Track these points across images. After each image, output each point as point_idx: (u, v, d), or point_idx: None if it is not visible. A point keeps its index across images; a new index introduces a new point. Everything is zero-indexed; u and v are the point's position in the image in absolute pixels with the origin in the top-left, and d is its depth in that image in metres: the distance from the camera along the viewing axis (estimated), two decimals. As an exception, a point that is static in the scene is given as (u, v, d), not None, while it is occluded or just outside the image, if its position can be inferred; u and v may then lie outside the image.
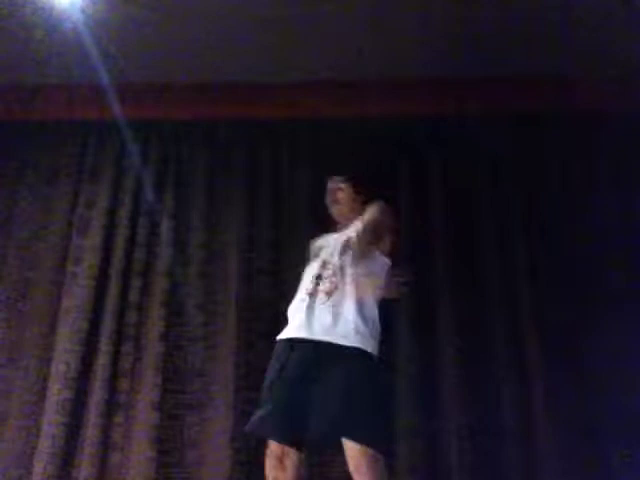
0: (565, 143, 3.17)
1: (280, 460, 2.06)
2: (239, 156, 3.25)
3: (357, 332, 2.14)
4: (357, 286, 2.23)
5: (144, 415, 2.78)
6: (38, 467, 2.67)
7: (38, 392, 2.84)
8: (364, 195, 2.49)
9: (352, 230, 2.37)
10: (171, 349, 2.89)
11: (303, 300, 2.25)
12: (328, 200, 2.55)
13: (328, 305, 2.19)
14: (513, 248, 2.99)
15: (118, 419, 2.79)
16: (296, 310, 2.26)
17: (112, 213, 3.13)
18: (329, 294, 2.22)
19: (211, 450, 2.73)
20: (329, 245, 2.40)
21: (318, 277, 2.28)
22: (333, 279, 2.25)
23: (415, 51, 3.07)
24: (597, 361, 2.77)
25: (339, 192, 2.53)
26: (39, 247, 3.12)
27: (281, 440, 2.08)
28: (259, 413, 2.13)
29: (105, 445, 2.74)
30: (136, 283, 3.00)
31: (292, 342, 2.19)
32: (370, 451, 1.95)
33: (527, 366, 2.78)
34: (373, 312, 2.22)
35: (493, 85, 3.25)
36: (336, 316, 2.16)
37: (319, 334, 2.14)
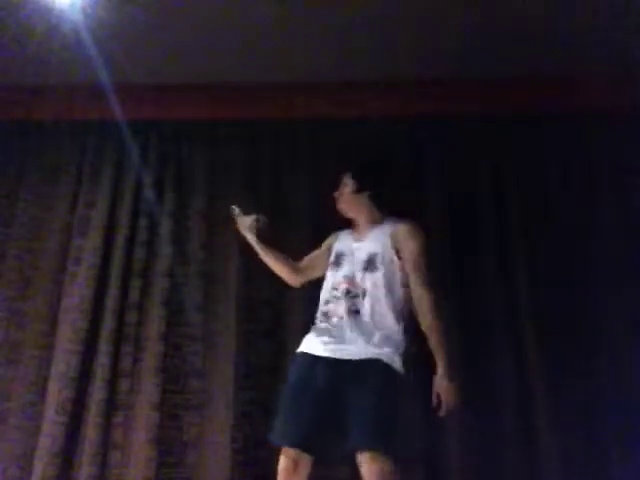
0: (565, 143, 3.17)
1: (296, 465, 2.08)
2: (239, 156, 3.25)
3: (386, 349, 2.16)
4: (385, 303, 2.25)
5: (144, 415, 2.78)
6: (38, 467, 2.67)
7: (38, 392, 2.84)
8: (369, 190, 2.49)
9: (374, 242, 2.36)
10: (171, 349, 2.89)
11: (329, 316, 2.28)
12: (339, 202, 2.55)
13: (357, 324, 2.21)
14: (513, 248, 2.99)
15: (118, 419, 2.80)
16: (323, 327, 2.28)
17: (112, 213, 3.14)
18: (355, 313, 2.24)
19: (211, 450, 2.73)
20: (351, 254, 2.39)
21: (346, 293, 2.28)
22: (358, 299, 2.26)
23: (415, 51, 3.07)
24: (597, 361, 2.77)
25: (344, 188, 2.53)
26: (39, 247, 3.12)
27: (301, 446, 2.09)
28: (281, 422, 2.16)
29: (105, 445, 2.74)
30: (136, 283, 3.00)
31: (318, 358, 2.20)
32: (390, 462, 1.98)
33: (527, 366, 2.79)
34: (399, 327, 2.23)
35: (493, 85, 3.25)
36: (365, 335, 2.19)
37: (347, 354, 2.16)
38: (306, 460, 2.10)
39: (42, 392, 2.83)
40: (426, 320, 2.21)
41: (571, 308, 2.85)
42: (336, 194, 2.56)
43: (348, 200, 2.52)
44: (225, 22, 2.90)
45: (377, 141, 3.19)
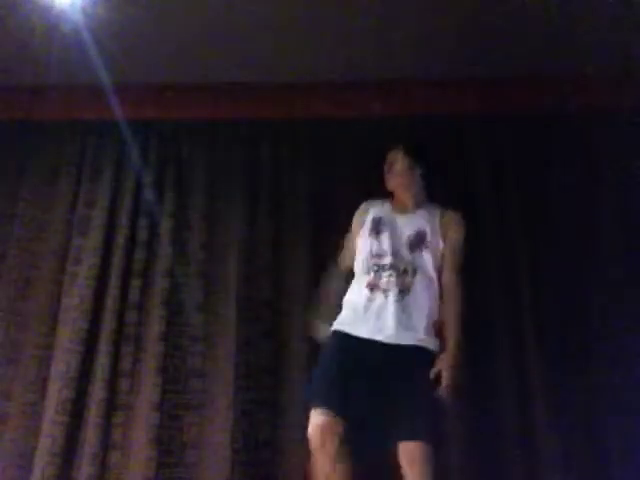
0: (566, 143, 3.17)
1: (331, 431, 2.03)
2: (239, 156, 3.25)
3: (428, 334, 2.17)
4: (430, 284, 2.24)
5: (144, 415, 2.78)
6: (38, 467, 2.67)
7: (38, 392, 2.84)
8: (420, 168, 2.47)
9: (423, 220, 2.33)
10: (171, 349, 2.89)
11: (372, 288, 2.21)
12: (385, 171, 2.50)
13: (406, 306, 2.18)
14: (513, 248, 2.99)
15: (118, 419, 2.79)
16: (365, 303, 2.21)
17: (112, 213, 3.13)
18: (403, 292, 2.20)
19: (211, 450, 2.73)
20: (393, 225, 2.34)
21: (391, 268, 2.23)
22: (407, 277, 2.22)
23: (415, 51, 3.07)
24: (598, 360, 2.77)
25: (398, 164, 2.48)
26: (39, 247, 3.12)
27: (340, 412, 2.04)
28: (324, 387, 2.11)
29: (105, 445, 2.74)
30: (136, 283, 3.00)
31: (359, 340, 2.16)
32: (431, 451, 2.01)
33: (527, 366, 2.78)
34: (437, 312, 2.24)
35: (493, 85, 3.25)
36: (410, 317, 2.16)
37: (391, 337, 2.14)
38: (340, 426, 2.04)
39: (42, 392, 2.83)
40: (452, 305, 2.22)
41: (571, 308, 2.85)
42: (387, 169, 2.49)
43: (403, 175, 2.46)
44: (225, 22, 2.91)
45: (377, 141, 3.19)
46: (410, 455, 2.00)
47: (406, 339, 2.14)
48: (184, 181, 3.22)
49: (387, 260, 2.25)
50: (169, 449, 2.74)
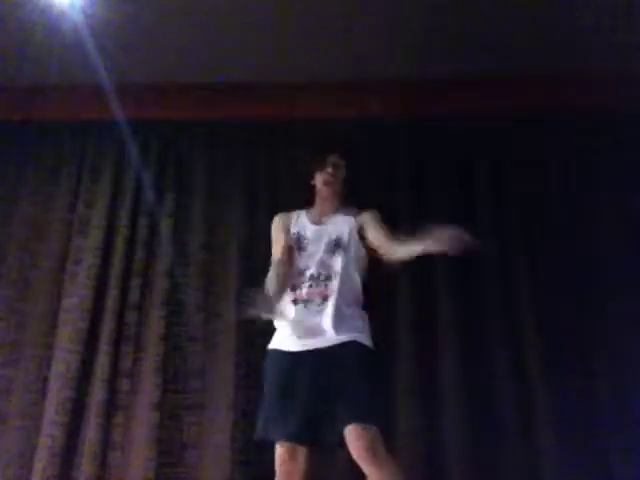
0: (565, 143, 3.17)
1: (292, 455, 2.11)
2: (239, 156, 3.25)
3: (357, 331, 2.23)
4: (352, 286, 2.32)
5: (144, 415, 2.77)
6: (38, 467, 2.67)
7: (38, 392, 2.84)
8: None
9: (339, 225, 2.40)
10: (171, 349, 2.89)
11: (298, 304, 2.28)
12: (326, 175, 2.53)
13: (328, 309, 2.23)
14: (513, 248, 2.99)
15: (118, 419, 2.79)
16: (294, 318, 2.27)
17: (112, 213, 3.14)
18: (326, 298, 2.26)
19: (211, 450, 2.73)
20: (314, 237, 2.40)
21: (316, 277, 2.30)
22: (329, 283, 2.29)
23: (414, 51, 3.07)
24: (598, 360, 2.77)
25: (340, 170, 2.56)
26: (39, 247, 3.12)
27: (293, 440, 2.11)
28: (264, 419, 2.17)
29: (105, 445, 2.74)
30: (136, 283, 3.00)
31: (296, 354, 2.21)
32: (378, 433, 2.02)
33: (527, 366, 2.78)
34: (361, 308, 2.33)
35: (493, 85, 3.25)
36: (337, 319, 2.22)
37: (322, 342, 2.19)
38: (302, 451, 2.12)
39: (42, 392, 2.83)
40: (396, 245, 2.25)
41: (571, 307, 2.85)
42: (331, 172, 2.53)
43: (338, 183, 2.55)
44: (225, 22, 2.91)
45: (377, 141, 3.19)
46: (355, 440, 2.01)
47: (334, 340, 2.19)
48: (184, 181, 3.22)
49: (310, 271, 2.33)
50: (169, 449, 2.74)
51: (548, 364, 2.75)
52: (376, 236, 2.35)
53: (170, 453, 2.73)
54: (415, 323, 2.86)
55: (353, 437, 2.01)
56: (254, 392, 2.78)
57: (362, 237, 2.41)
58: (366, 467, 1.99)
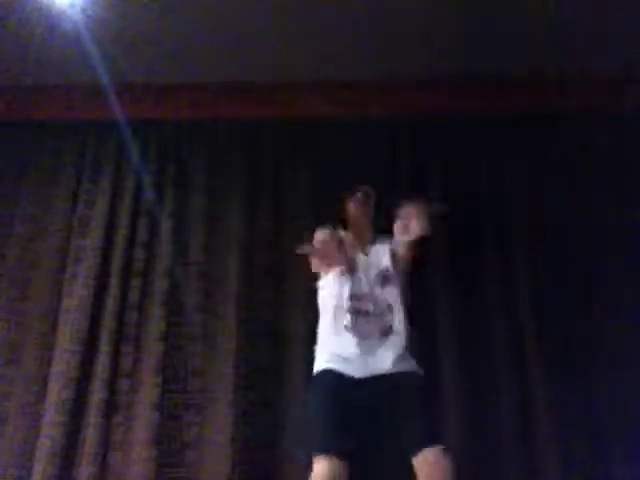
0: (565, 143, 3.17)
1: (335, 473, 2.06)
2: (239, 156, 3.25)
3: (411, 360, 2.28)
4: (403, 318, 2.34)
5: (144, 415, 2.77)
6: (38, 467, 2.66)
7: (38, 392, 2.83)
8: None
9: (382, 257, 2.43)
10: (171, 349, 2.88)
11: (352, 336, 2.26)
12: (361, 207, 2.56)
13: (386, 344, 2.26)
14: (513, 249, 3.00)
15: (118, 419, 2.79)
16: (345, 346, 2.26)
17: (112, 213, 3.13)
18: (384, 334, 2.28)
19: (211, 450, 2.73)
20: (362, 266, 2.41)
21: (367, 312, 2.31)
22: (385, 318, 2.31)
23: (415, 51, 3.07)
24: (597, 361, 2.77)
25: (371, 200, 2.59)
26: (39, 247, 3.11)
27: (343, 455, 2.08)
28: (323, 432, 2.14)
29: (105, 445, 2.73)
30: (136, 283, 3.00)
31: (349, 379, 2.21)
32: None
33: (527, 366, 2.78)
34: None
35: (493, 85, 3.25)
36: (395, 353, 2.25)
37: (380, 371, 2.21)
38: (344, 467, 2.08)
39: (42, 392, 2.83)
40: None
41: (571, 307, 2.85)
42: (361, 197, 2.56)
43: (368, 212, 2.58)
44: (225, 22, 2.91)
45: (377, 141, 3.19)
46: (434, 465, 2.04)
47: (392, 369, 2.22)
48: (184, 181, 3.22)
49: (365, 304, 2.33)
50: (169, 449, 2.74)
51: (548, 364, 2.75)
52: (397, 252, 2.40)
53: (170, 453, 2.73)
54: (415, 323, 2.85)
55: (431, 459, 2.04)
56: (254, 392, 2.79)
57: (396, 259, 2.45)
58: None
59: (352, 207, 2.57)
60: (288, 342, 2.85)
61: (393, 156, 3.19)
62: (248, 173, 3.21)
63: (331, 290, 2.41)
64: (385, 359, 2.23)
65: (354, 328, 2.28)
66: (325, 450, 2.08)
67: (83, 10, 2.77)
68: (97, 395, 2.78)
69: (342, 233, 2.55)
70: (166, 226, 3.10)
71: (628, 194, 3.06)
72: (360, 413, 2.14)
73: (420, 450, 2.05)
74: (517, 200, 3.08)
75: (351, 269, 2.37)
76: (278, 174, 3.21)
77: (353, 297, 2.34)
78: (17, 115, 3.36)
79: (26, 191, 3.23)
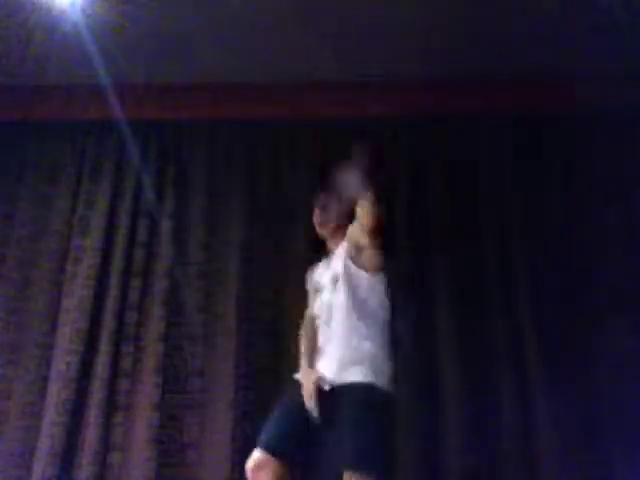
0: (565, 143, 3.17)
1: (259, 467, 2.06)
2: (239, 156, 3.25)
3: (368, 369, 2.09)
4: (347, 322, 2.18)
5: (144, 415, 2.78)
6: (38, 467, 2.67)
7: (38, 392, 2.84)
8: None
9: (338, 259, 2.30)
10: (171, 349, 2.89)
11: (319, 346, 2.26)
12: (317, 221, 2.46)
13: (329, 353, 2.19)
14: (513, 248, 3.00)
15: (118, 419, 2.79)
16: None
17: (112, 213, 3.13)
18: (327, 341, 2.22)
19: (211, 450, 2.73)
20: (325, 282, 2.35)
21: (326, 323, 2.26)
22: (333, 323, 2.21)
23: (415, 51, 3.07)
24: (597, 361, 2.77)
25: (330, 208, 2.45)
26: (39, 247, 3.12)
27: (268, 449, 2.07)
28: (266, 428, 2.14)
29: (105, 445, 2.74)
30: (136, 283, 3.00)
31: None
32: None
33: (527, 367, 2.78)
34: (382, 341, 2.16)
35: (493, 85, 3.25)
36: (336, 361, 2.14)
37: (332, 379, 2.12)
38: (274, 464, 2.05)
39: (42, 392, 2.83)
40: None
41: (571, 307, 2.85)
42: (317, 211, 2.46)
43: (327, 219, 2.44)
44: (225, 22, 2.91)
45: (377, 141, 3.18)
46: None
47: (335, 380, 2.10)
48: (184, 181, 3.22)
49: (322, 316, 2.29)
50: (169, 449, 2.74)
51: (548, 364, 2.75)
52: (350, 235, 2.26)
53: (170, 453, 2.73)
54: (415, 323, 2.85)
55: None
56: (254, 392, 2.79)
57: (358, 249, 2.26)
58: None
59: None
60: (288, 342, 2.85)
61: (393, 156, 3.18)
62: (248, 173, 3.21)
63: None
64: (327, 370, 2.14)
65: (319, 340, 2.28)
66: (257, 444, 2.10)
67: (83, 10, 2.77)
68: (97, 395, 2.79)
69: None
70: (166, 226, 3.10)
71: (628, 194, 3.05)
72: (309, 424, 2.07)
73: (343, 470, 1.93)
74: (517, 200, 3.08)
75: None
76: (278, 174, 3.21)
77: (317, 317, 2.34)
78: (17, 115, 3.36)
79: (26, 191, 3.23)
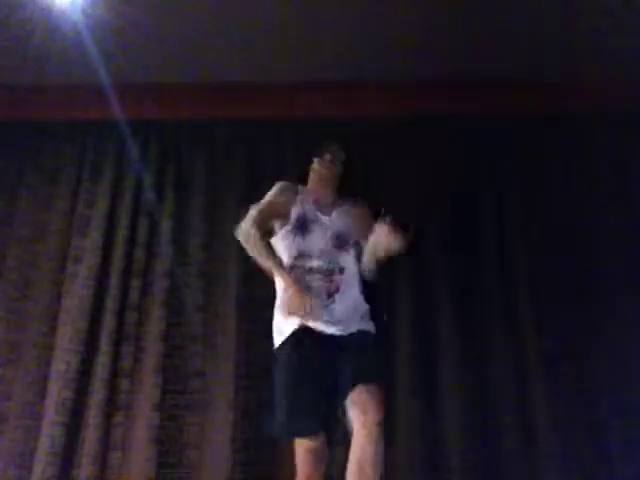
0: (565, 143, 3.17)
1: (317, 456, 2.13)
2: (239, 156, 3.25)
3: (365, 321, 2.24)
4: (358, 280, 2.30)
5: (144, 415, 2.78)
6: (38, 467, 2.67)
7: (38, 392, 2.84)
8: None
9: (344, 220, 2.37)
10: (171, 349, 2.89)
11: (311, 295, 2.22)
12: (328, 169, 2.49)
13: (339, 303, 2.23)
14: (512, 248, 3.00)
15: (118, 419, 2.80)
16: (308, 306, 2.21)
17: (112, 213, 3.14)
18: (337, 291, 2.24)
19: (211, 450, 2.73)
20: (320, 225, 2.35)
21: (318, 271, 2.27)
22: (339, 276, 2.27)
23: (415, 51, 3.07)
24: (597, 361, 2.78)
25: (337, 163, 2.50)
26: (39, 247, 3.12)
27: (317, 433, 2.11)
28: (283, 415, 2.11)
29: (105, 445, 2.74)
30: (136, 283, 3.00)
31: (305, 334, 2.19)
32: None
33: (527, 366, 2.79)
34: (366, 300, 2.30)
35: (493, 85, 3.25)
36: (348, 312, 2.21)
37: (336, 330, 2.17)
38: (321, 442, 2.13)
39: (42, 392, 2.83)
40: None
41: (571, 307, 2.85)
42: (330, 158, 2.49)
43: (334, 174, 2.50)
44: (225, 22, 2.91)
45: (377, 141, 3.19)
46: (366, 397, 2.01)
47: (349, 330, 2.19)
48: (184, 181, 3.22)
49: (314, 263, 2.29)
50: (169, 449, 2.74)
51: (548, 364, 2.76)
52: (374, 242, 2.30)
53: (170, 453, 2.74)
54: (415, 323, 2.86)
55: (363, 396, 2.00)
56: (254, 392, 2.79)
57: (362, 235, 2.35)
58: (361, 415, 1.97)
59: (319, 167, 2.52)
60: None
61: (393, 156, 3.18)
62: (248, 173, 3.21)
63: (284, 249, 2.37)
64: (339, 317, 2.20)
65: (317, 290, 2.26)
66: (300, 434, 2.15)
67: (83, 10, 2.77)
68: (97, 395, 2.79)
69: (300, 188, 2.50)
70: (166, 226, 3.10)
71: (628, 194, 3.05)
72: (318, 376, 2.11)
73: (359, 383, 2.03)
74: (517, 200, 3.08)
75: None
76: (278, 174, 3.20)
77: (301, 253, 2.31)
78: (17, 115, 3.36)
79: (26, 191, 3.23)
